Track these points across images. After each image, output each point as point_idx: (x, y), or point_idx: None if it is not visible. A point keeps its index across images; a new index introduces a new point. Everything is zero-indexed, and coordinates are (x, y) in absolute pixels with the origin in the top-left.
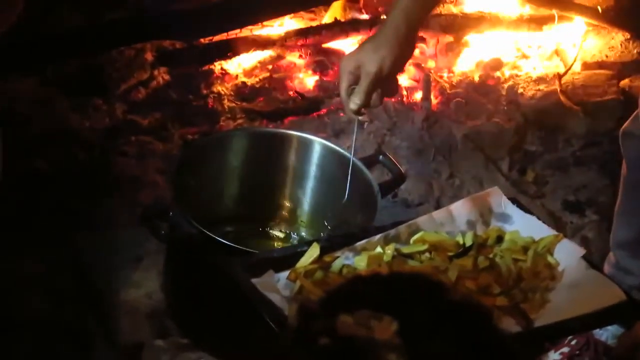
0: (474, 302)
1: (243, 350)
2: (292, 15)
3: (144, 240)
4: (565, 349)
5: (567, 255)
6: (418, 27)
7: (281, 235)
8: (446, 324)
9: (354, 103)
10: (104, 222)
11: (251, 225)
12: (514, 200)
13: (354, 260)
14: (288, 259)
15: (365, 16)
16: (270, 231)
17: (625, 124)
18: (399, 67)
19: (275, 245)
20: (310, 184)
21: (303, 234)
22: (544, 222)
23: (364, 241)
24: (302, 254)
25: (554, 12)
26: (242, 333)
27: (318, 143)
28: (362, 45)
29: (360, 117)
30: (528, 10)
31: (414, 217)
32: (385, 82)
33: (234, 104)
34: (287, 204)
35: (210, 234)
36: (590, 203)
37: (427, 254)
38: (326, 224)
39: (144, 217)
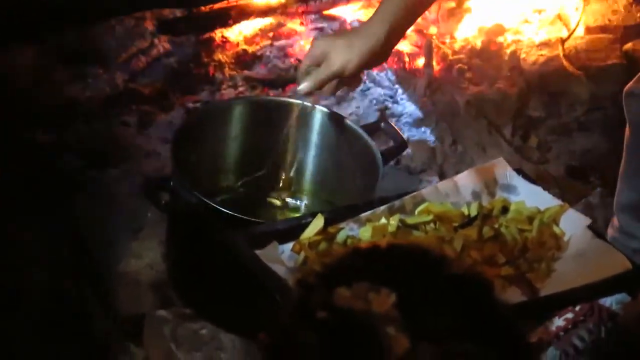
0: (475, 274)
1: (246, 320)
2: None
3: (145, 210)
4: (570, 315)
5: (573, 225)
6: (398, 38)
7: (282, 204)
8: (446, 296)
9: (304, 86)
10: (105, 193)
11: (252, 195)
12: (519, 171)
13: (359, 232)
14: (292, 230)
15: None
16: (272, 200)
17: (629, 84)
18: (363, 69)
19: (276, 213)
20: (311, 152)
21: (304, 202)
22: (548, 190)
23: (368, 212)
24: (306, 225)
25: None
26: (245, 303)
27: (319, 111)
28: (339, 35)
29: (307, 98)
30: None
31: (417, 183)
32: (346, 78)
33: (234, 72)
34: (289, 172)
35: (210, 202)
36: (594, 168)
37: (432, 225)
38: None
39: (145, 187)
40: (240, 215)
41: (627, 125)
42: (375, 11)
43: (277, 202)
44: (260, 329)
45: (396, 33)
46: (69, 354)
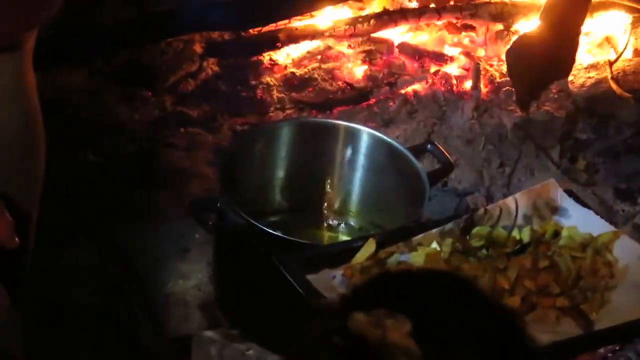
0: (502, 306)
1: (292, 342)
2: (341, 4)
3: (192, 231)
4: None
5: (627, 252)
6: None
7: (329, 225)
8: (468, 330)
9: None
10: (152, 214)
11: (299, 216)
12: (570, 193)
13: (410, 256)
14: (344, 254)
15: (414, 4)
16: (318, 222)
17: None
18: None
19: (323, 235)
20: (358, 174)
21: (352, 224)
22: (598, 213)
23: (419, 236)
24: (357, 249)
25: None
26: (292, 325)
27: (366, 133)
28: None
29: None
30: None
31: (463, 206)
32: None
33: (282, 95)
34: (336, 194)
35: (258, 224)
36: None
37: (484, 251)
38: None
39: (192, 208)
40: (287, 237)
41: None
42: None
43: (324, 224)
44: (301, 352)
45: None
46: None
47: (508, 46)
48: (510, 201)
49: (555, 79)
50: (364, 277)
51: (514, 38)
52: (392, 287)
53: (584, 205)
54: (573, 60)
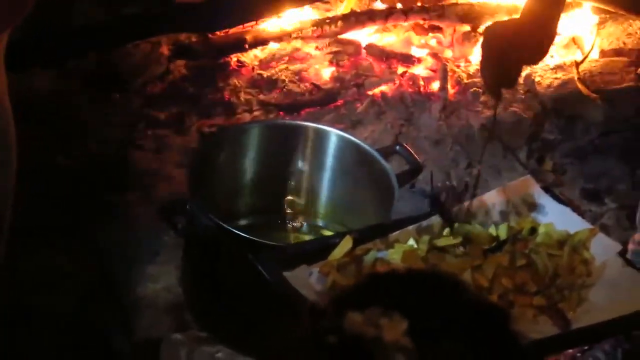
0: (490, 305)
1: (262, 343)
2: (307, 6)
3: (162, 234)
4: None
5: (603, 250)
6: None
7: (298, 226)
8: (459, 327)
9: None
10: (121, 216)
11: (268, 217)
12: (547, 190)
13: (387, 253)
14: (320, 251)
15: (381, 6)
16: (288, 223)
17: None
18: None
19: (292, 237)
20: (327, 176)
21: (321, 225)
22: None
23: (396, 233)
24: (334, 246)
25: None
26: (262, 326)
27: (334, 134)
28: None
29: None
30: None
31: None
32: None
33: (250, 96)
34: (305, 195)
35: (227, 226)
36: (609, 191)
37: (461, 248)
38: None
39: (161, 211)
40: (256, 239)
41: None
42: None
43: (293, 225)
44: (277, 352)
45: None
46: None
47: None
48: (487, 197)
49: (531, 63)
50: (343, 275)
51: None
52: (380, 286)
53: (561, 202)
54: (546, 48)
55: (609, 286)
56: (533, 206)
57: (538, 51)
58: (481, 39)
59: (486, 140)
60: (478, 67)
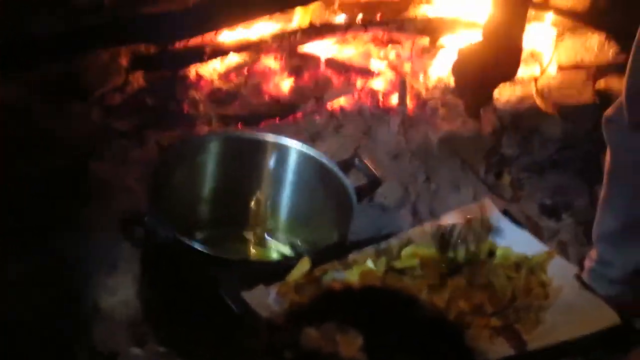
0: (445, 322)
1: (220, 358)
2: (268, 18)
3: (120, 246)
4: None
5: (560, 273)
6: None
7: (257, 239)
8: (413, 342)
9: None
10: (79, 228)
11: (228, 230)
12: (505, 213)
13: (345, 274)
14: (279, 272)
15: (341, 18)
16: (247, 236)
17: (608, 110)
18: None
19: (251, 249)
20: (286, 188)
21: (280, 239)
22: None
23: (354, 254)
24: (292, 267)
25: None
26: (221, 341)
27: (294, 148)
28: None
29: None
30: None
31: (391, 222)
32: None
33: (209, 109)
34: (264, 209)
35: (185, 240)
36: (567, 207)
37: (418, 270)
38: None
39: (120, 223)
40: (214, 254)
41: (608, 151)
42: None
43: (253, 238)
44: None
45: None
46: None
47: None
48: (445, 219)
49: (506, 80)
50: (300, 296)
51: (440, 53)
52: (336, 303)
53: (519, 225)
54: (518, 63)
55: (566, 308)
56: (491, 229)
57: (510, 68)
58: (439, 52)
59: None
60: (436, 82)
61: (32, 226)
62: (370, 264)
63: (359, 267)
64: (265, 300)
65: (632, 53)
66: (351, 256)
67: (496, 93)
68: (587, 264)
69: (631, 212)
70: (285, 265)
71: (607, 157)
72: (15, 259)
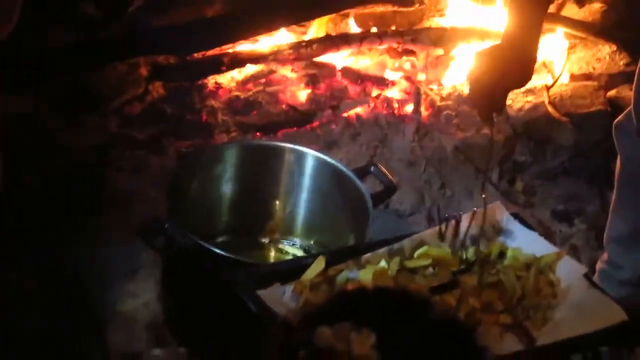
0: (456, 321)
1: (238, 359)
2: (284, 30)
3: (141, 252)
4: None
5: (569, 272)
6: None
7: (275, 245)
8: (426, 341)
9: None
10: (101, 236)
11: (245, 236)
12: (515, 216)
13: (359, 274)
14: (294, 271)
15: (356, 30)
16: (264, 241)
17: (618, 118)
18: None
19: (269, 255)
20: (303, 195)
21: (297, 244)
22: (545, 238)
23: (368, 254)
24: (307, 266)
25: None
26: (239, 342)
27: (310, 155)
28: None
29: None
30: None
31: (406, 228)
32: None
33: (227, 118)
34: (281, 214)
35: (205, 244)
36: (579, 212)
37: (430, 269)
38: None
39: (140, 230)
40: (234, 257)
41: (618, 158)
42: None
43: (270, 244)
44: None
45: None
46: None
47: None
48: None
49: (518, 87)
50: (315, 294)
51: (453, 63)
52: (350, 303)
53: (529, 227)
54: (531, 72)
55: (574, 307)
56: (502, 231)
57: (523, 75)
58: (452, 62)
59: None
60: (450, 91)
61: (54, 235)
62: (383, 263)
63: (372, 267)
64: (281, 298)
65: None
66: (365, 257)
67: (509, 101)
68: (599, 265)
69: None
70: (300, 264)
71: (618, 164)
72: (36, 270)
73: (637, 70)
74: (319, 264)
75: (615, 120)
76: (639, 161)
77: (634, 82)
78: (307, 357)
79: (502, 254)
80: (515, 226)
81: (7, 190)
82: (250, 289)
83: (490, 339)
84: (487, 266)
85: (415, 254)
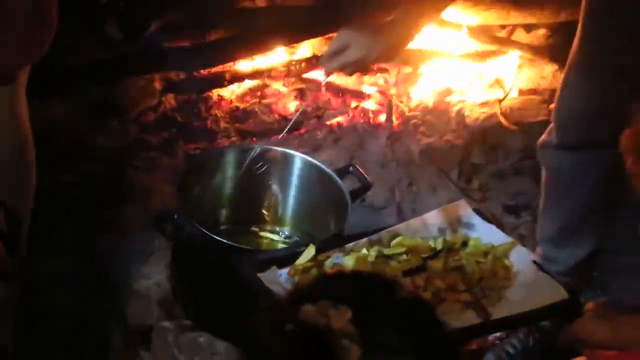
0: (421, 299)
1: (237, 330)
2: (276, 50)
3: (154, 239)
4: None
5: (521, 259)
6: (414, 36)
7: (268, 234)
8: (394, 317)
9: (330, 66)
10: (120, 225)
11: (243, 226)
12: (477, 211)
13: (343, 260)
14: (289, 257)
15: None
16: (259, 231)
17: (542, 137)
18: (380, 61)
19: (263, 242)
20: (292, 191)
21: (286, 233)
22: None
23: (351, 244)
24: (300, 253)
25: (496, 47)
26: (237, 316)
27: (298, 157)
28: (364, 30)
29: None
30: (474, 45)
31: (379, 219)
32: (361, 65)
33: (228, 125)
34: (274, 207)
35: (208, 233)
36: (525, 207)
37: (404, 256)
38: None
39: (153, 220)
40: (234, 244)
41: (543, 171)
42: (400, 10)
43: (264, 233)
44: (248, 337)
45: (414, 33)
46: (92, 355)
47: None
48: (428, 217)
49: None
50: (306, 276)
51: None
52: (331, 284)
53: (488, 220)
54: (398, 49)
55: (524, 287)
56: (465, 224)
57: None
58: (420, 79)
59: None
60: (418, 103)
61: (78, 224)
62: (364, 251)
63: (355, 254)
64: (277, 279)
65: (560, 85)
66: (348, 245)
67: (467, 112)
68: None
69: (565, 218)
70: (294, 251)
71: (543, 175)
72: (65, 255)
73: (558, 90)
74: (309, 252)
75: (539, 140)
76: (560, 172)
77: (555, 101)
78: (294, 330)
79: (464, 243)
80: (476, 220)
81: (45, 185)
82: (251, 271)
83: (453, 314)
84: (452, 253)
85: (392, 243)
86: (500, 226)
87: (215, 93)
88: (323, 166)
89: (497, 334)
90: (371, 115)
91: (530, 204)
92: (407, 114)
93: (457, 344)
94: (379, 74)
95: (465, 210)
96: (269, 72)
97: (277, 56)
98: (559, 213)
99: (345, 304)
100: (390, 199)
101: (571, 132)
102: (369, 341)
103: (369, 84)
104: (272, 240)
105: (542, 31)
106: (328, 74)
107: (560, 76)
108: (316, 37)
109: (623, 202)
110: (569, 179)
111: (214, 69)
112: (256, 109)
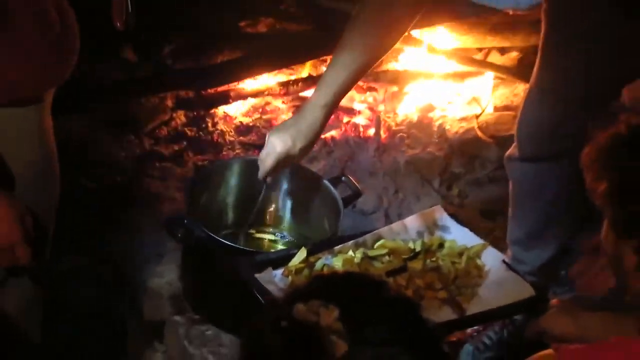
0: (405, 298)
1: (239, 325)
2: (276, 71)
3: (166, 241)
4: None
5: (492, 259)
6: (332, 114)
7: (268, 237)
8: (380, 314)
9: (262, 170)
10: (135, 228)
11: (246, 230)
12: (452, 215)
13: (332, 261)
14: (283, 259)
15: None
16: (260, 235)
17: (509, 150)
18: (309, 149)
19: (264, 244)
20: (290, 198)
21: (285, 235)
22: (472, 230)
23: (339, 246)
24: (293, 255)
25: (473, 68)
26: (240, 311)
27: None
28: (284, 125)
29: (267, 181)
30: (453, 67)
31: (368, 224)
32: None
33: (233, 138)
34: (273, 213)
35: (215, 236)
36: (500, 211)
37: (387, 257)
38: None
39: (165, 224)
40: (237, 246)
41: (510, 182)
42: (314, 94)
43: (265, 236)
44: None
45: (332, 111)
46: (111, 346)
47: None
48: (408, 221)
49: None
50: (299, 277)
51: (406, 97)
52: (321, 284)
53: (462, 224)
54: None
55: (495, 285)
56: (441, 227)
57: None
58: (405, 97)
59: None
60: (403, 118)
61: (97, 227)
62: (351, 253)
63: (342, 255)
64: (273, 279)
65: (522, 104)
66: (337, 248)
67: (448, 127)
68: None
69: (530, 225)
70: (288, 253)
71: (510, 186)
72: (85, 254)
73: (520, 109)
74: (302, 254)
75: (506, 153)
76: (523, 182)
77: (517, 117)
78: (287, 327)
79: (441, 245)
80: (451, 223)
81: (68, 190)
82: (249, 272)
83: (431, 310)
84: (429, 254)
85: (375, 246)
86: (477, 229)
87: (221, 110)
88: (318, 175)
89: (475, 327)
90: (361, 129)
91: (504, 209)
92: (393, 128)
93: (439, 337)
94: (368, 93)
95: (441, 214)
96: (269, 91)
97: (276, 77)
98: (524, 219)
99: (334, 302)
100: (378, 205)
101: (530, 147)
102: (357, 337)
103: (359, 101)
104: (272, 242)
105: (514, 54)
106: (265, 177)
107: None
108: (312, 59)
109: (587, 207)
110: (532, 188)
111: (220, 88)
112: (258, 124)
